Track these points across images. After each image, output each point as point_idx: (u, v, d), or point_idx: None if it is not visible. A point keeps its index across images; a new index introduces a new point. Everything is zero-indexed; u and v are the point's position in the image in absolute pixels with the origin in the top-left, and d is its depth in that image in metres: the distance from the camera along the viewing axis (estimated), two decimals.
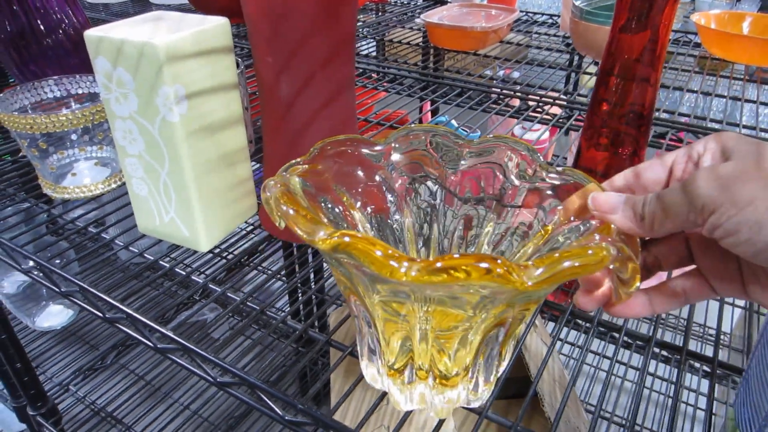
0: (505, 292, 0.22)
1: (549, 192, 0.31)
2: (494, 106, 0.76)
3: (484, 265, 0.20)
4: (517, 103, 0.79)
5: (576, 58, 1.08)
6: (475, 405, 0.31)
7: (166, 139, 0.40)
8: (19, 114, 0.47)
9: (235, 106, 0.44)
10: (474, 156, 0.34)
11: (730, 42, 0.79)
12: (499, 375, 0.31)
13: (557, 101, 0.75)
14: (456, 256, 0.20)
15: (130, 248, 0.48)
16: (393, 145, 0.33)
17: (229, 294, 0.47)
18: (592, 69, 0.98)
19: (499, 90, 0.79)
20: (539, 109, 0.74)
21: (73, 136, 0.52)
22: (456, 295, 0.23)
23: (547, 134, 1.29)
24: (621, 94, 0.42)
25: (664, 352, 0.50)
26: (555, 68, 1.03)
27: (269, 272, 1.15)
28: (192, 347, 0.37)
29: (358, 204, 0.32)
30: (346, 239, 0.21)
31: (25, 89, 0.53)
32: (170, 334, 0.38)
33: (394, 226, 0.34)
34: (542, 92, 0.77)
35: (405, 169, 0.34)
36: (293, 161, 0.30)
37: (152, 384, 1.11)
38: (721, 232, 0.22)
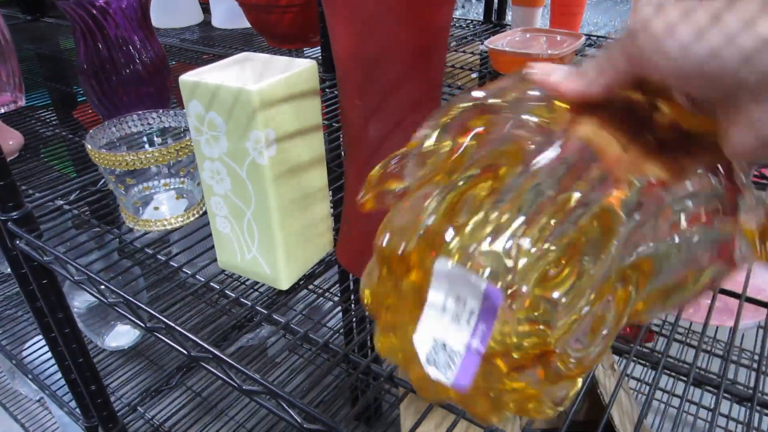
0: None
1: None
2: None
3: None
4: None
5: None
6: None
7: (254, 181, 0.40)
8: (108, 151, 0.49)
9: (318, 146, 0.44)
10: None
11: None
12: None
13: None
14: None
15: (198, 275, 0.49)
16: None
17: (275, 316, 0.48)
18: None
19: None
20: None
21: (155, 170, 0.54)
22: None
23: None
24: None
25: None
26: None
27: (319, 291, 1.16)
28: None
29: None
30: None
31: (111, 125, 0.54)
32: (247, 371, 0.38)
33: None
34: None
35: None
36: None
37: (208, 401, 1.13)
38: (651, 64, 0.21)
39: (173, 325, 0.42)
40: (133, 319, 0.46)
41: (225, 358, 0.40)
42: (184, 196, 0.56)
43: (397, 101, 0.39)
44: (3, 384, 1.34)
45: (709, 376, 0.44)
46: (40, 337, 1.11)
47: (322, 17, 0.84)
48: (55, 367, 1.02)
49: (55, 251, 0.52)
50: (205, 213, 0.56)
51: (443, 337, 0.23)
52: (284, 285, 0.45)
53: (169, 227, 0.54)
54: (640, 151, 0.24)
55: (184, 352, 0.43)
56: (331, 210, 0.50)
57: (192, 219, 0.55)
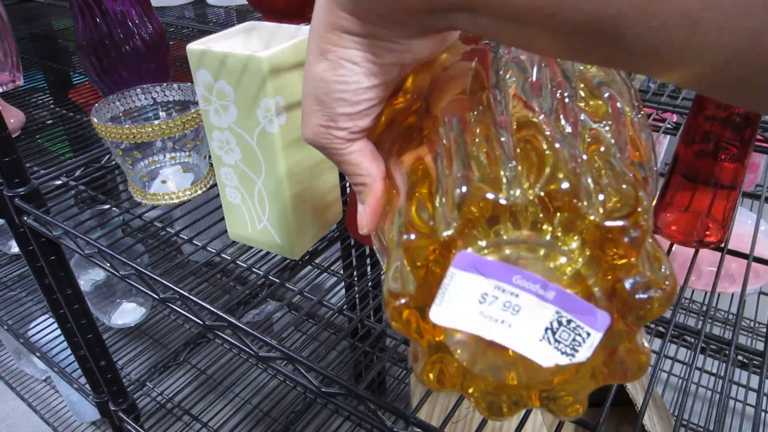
0: None
1: None
2: None
3: None
4: None
5: None
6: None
7: (265, 150, 0.40)
8: (114, 124, 0.49)
9: None
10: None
11: None
12: None
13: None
14: None
15: (207, 248, 0.50)
16: None
17: (287, 285, 0.49)
18: None
19: None
20: None
21: (161, 144, 0.54)
22: None
23: None
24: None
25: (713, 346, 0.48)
26: None
27: (322, 267, 1.17)
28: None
29: None
30: None
31: (115, 99, 0.54)
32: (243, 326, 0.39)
33: None
34: None
35: None
36: None
37: (214, 378, 1.14)
38: None
39: (188, 294, 0.43)
40: (146, 290, 0.47)
41: (241, 325, 0.40)
42: (191, 170, 0.56)
43: None
44: (8, 365, 1.36)
45: (717, 345, 0.46)
46: (46, 316, 1.12)
47: None
48: (62, 346, 1.04)
49: (64, 226, 0.52)
50: (212, 187, 0.56)
51: (559, 316, 0.20)
52: (296, 254, 0.45)
53: (176, 201, 0.54)
54: None
55: (200, 321, 0.43)
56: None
57: (199, 192, 0.55)
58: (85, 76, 1.08)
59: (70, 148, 0.96)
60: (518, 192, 0.19)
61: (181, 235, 0.54)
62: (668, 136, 0.82)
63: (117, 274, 0.48)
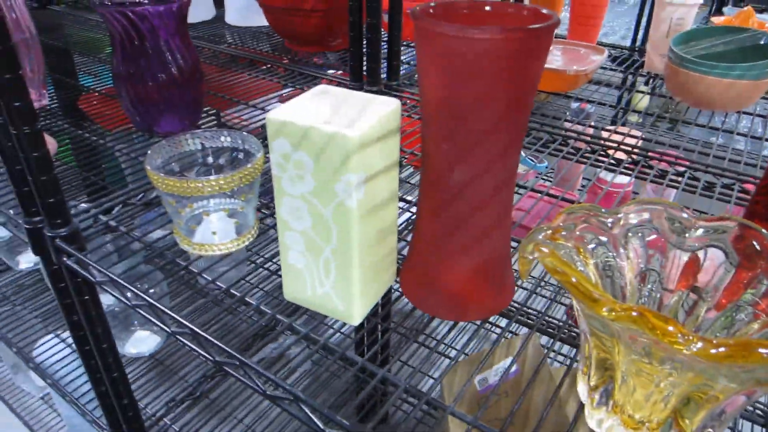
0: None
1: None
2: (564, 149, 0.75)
3: (763, 350, 0.23)
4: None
5: (630, 77, 1.08)
6: None
7: (339, 222, 0.40)
8: (168, 176, 0.48)
9: (395, 181, 0.44)
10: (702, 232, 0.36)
11: None
12: None
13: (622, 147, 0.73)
14: (731, 341, 0.23)
15: (216, 282, 0.49)
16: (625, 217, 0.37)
17: (295, 325, 0.49)
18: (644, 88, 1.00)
19: (575, 136, 0.77)
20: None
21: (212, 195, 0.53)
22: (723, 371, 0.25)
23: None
24: None
25: None
26: (610, 87, 1.04)
27: None
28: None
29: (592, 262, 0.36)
30: (635, 314, 0.25)
31: (165, 145, 0.53)
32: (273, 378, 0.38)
33: (620, 283, 0.37)
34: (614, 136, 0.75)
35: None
36: (540, 227, 0.34)
37: (234, 416, 1.10)
38: None
39: (198, 330, 0.43)
40: (157, 323, 0.46)
41: (251, 364, 0.41)
42: (237, 217, 0.55)
43: (484, 149, 0.39)
44: (4, 379, 1.32)
45: None
46: (51, 336, 1.10)
47: (353, 25, 0.83)
48: (67, 369, 1.01)
49: (107, 272, 0.51)
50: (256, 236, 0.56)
51: None
52: (356, 320, 0.45)
53: (224, 251, 0.53)
54: None
55: (210, 357, 0.43)
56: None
57: (247, 243, 0.54)
58: (87, 88, 1.07)
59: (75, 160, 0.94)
60: None
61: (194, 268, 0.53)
62: None
63: (128, 303, 0.48)
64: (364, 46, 0.84)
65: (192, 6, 1.34)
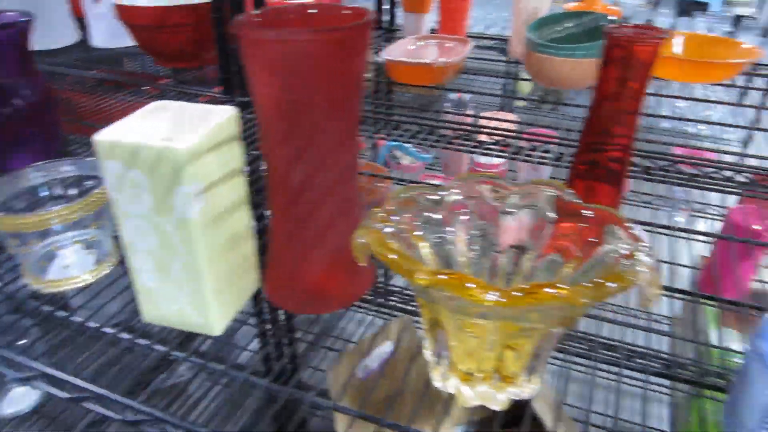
0: (565, 308, 0.28)
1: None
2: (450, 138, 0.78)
3: (550, 290, 0.26)
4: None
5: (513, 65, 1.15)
6: (526, 396, 0.36)
7: (183, 234, 0.39)
8: (6, 214, 0.45)
9: (241, 188, 0.44)
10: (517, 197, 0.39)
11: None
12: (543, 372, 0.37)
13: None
14: (525, 286, 0.27)
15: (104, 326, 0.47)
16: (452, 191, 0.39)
17: (192, 360, 0.49)
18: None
19: (456, 126, 0.81)
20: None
21: (61, 227, 0.50)
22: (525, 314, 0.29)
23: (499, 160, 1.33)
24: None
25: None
26: (493, 76, 1.09)
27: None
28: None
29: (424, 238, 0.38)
30: (442, 277, 0.28)
31: (4, 182, 0.50)
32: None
33: (456, 257, 0.40)
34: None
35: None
36: (374, 210, 0.36)
37: None
38: None
39: (48, 370, 0.43)
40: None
41: (105, 393, 0.42)
42: (93, 247, 0.53)
43: (319, 145, 0.39)
44: None
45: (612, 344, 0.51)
46: None
47: (219, 37, 0.82)
48: None
49: None
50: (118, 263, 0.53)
51: None
52: (217, 331, 0.44)
53: (81, 284, 0.50)
54: None
55: (61, 395, 0.44)
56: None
57: (105, 273, 0.52)
58: None
59: None
60: None
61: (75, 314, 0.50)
62: None
63: (20, 378, 0.44)
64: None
65: (51, 31, 1.27)
